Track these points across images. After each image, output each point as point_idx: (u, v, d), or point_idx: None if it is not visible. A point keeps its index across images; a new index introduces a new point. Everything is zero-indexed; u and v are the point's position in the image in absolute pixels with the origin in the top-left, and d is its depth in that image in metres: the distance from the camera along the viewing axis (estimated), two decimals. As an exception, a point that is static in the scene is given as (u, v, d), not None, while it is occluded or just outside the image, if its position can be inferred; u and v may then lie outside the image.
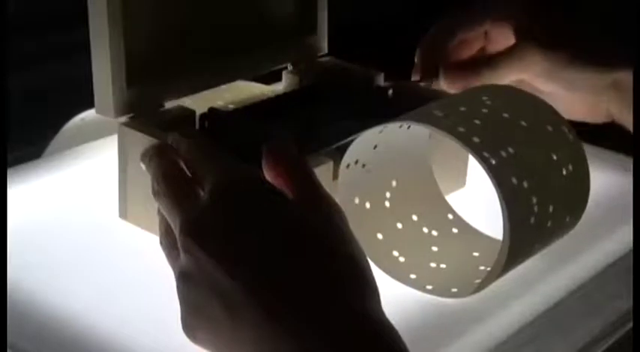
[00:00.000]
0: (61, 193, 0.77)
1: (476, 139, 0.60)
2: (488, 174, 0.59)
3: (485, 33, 0.79)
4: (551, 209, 0.62)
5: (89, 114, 0.86)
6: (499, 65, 0.77)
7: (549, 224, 0.63)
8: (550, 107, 0.66)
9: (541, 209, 0.61)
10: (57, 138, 0.89)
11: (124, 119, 0.71)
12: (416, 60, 0.80)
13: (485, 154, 0.60)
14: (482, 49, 0.80)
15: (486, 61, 0.78)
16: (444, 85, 0.79)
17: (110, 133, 0.78)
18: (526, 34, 0.77)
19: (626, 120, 0.77)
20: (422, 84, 0.79)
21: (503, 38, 0.78)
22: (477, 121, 0.62)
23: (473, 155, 0.60)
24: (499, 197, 0.59)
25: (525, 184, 0.60)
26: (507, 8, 0.79)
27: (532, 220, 0.61)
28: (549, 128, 0.65)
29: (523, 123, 0.64)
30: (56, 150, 0.87)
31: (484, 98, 0.65)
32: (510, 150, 0.61)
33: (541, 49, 0.76)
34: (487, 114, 0.63)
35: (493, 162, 0.60)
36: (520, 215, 0.60)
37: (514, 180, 0.60)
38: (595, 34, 0.78)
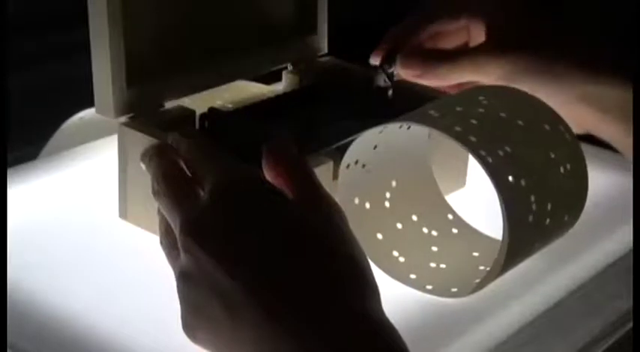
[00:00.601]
0: (61, 193, 0.77)
1: (472, 138, 0.60)
2: (485, 172, 0.59)
3: (467, 27, 0.79)
4: (549, 207, 0.62)
5: (88, 112, 0.87)
6: (454, 63, 0.75)
7: (548, 222, 0.63)
8: (548, 107, 0.66)
9: (539, 207, 0.61)
10: (55, 137, 0.89)
11: (124, 119, 0.71)
12: (379, 43, 0.79)
13: (482, 153, 0.60)
14: (466, 43, 0.79)
15: (444, 55, 0.77)
16: (399, 70, 0.78)
17: (110, 133, 0.78)
18: (490, 37, 0.75)
19: (602, 133, 0.76)
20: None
21: (481, 34, 0.77)
22: (474, 121, 0.62)
23: (471, 153, 0.60)
24: (497, 195, 0.59)
25: (523, 182, 0.60)
26: (484, 6, 0.77)
27: (530, 218, 0.61)
28: (547, 127, 0.65)
29: (520, 122, 0.64)
30: (54, 148, 0.87)
31: (481, 98, 0.66)
32: (507, 149, 0.61)
33: (495, 56, 0.74)
34: (484, 113, 0.64)
35: (490, 160, 0.60)
36: (518, 213, 0.60)
37: (511, 179, 0.60)
38: (572, 46, 0.76)
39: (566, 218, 0.65)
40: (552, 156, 0.64)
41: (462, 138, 0.60)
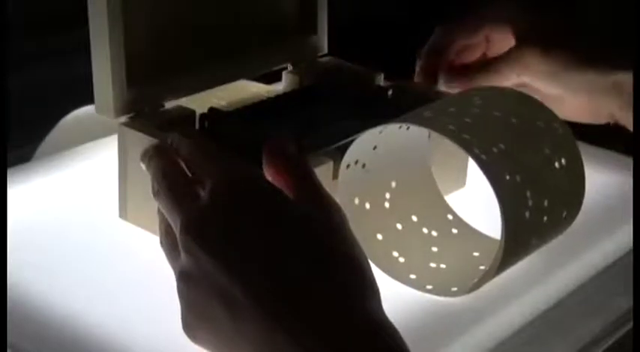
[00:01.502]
0: (61, 193, 0.77)
1: (466, 136, 0.61)
2: (480, 168, 0.59)
3: (487, 37, 0.80)
4: (546, 203, 0.62)
5: (87, 110, 0.87)
6: (499, 68, 0.78)
7: (545, 219, 0.63)
8: (541, 104, 0.67)
9: (536, 204, 0.62)
10: (52, 134, 0.90)
11: (124, 119, 0.71)
12: (417, 67, 0.81)
13: (477, 150, 0.60)
14: (484, 53, 0.81)
15: (486, 64, 0.79)
16: (445, 87, 0.79)
17: (109, 130, 0.78)
18: (525, 37, 0.77)
19: (628, 121, 0.77)
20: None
21: (503, 42, 0.79)
22: (468, 119, 0.62)
23: (465, 151, 0.60)
24: (493, 191, 0.59)
25: (518, 178, 0.61)
26: (506, 12, 0.79)
27: (527, 215, 0.61)
28: (541, 124, 0.65)
29: (514, 120, 0.64)
30: (51, 145, 0.87)
31: (475, 99, 0.66)
32: (502, 146, 0.61)
33: (539, 52, 0.76)
34: (478, 113, 0.64)
35: (484, 157, 0.60)
36: (515, 209, 0.60)
37: (507, 175, 0.60)
38: (595, 35, 0.78)
39: (563, 215, 0.65)
40: (547, 152, 0.64)
41: (456, 137, 0.60)
